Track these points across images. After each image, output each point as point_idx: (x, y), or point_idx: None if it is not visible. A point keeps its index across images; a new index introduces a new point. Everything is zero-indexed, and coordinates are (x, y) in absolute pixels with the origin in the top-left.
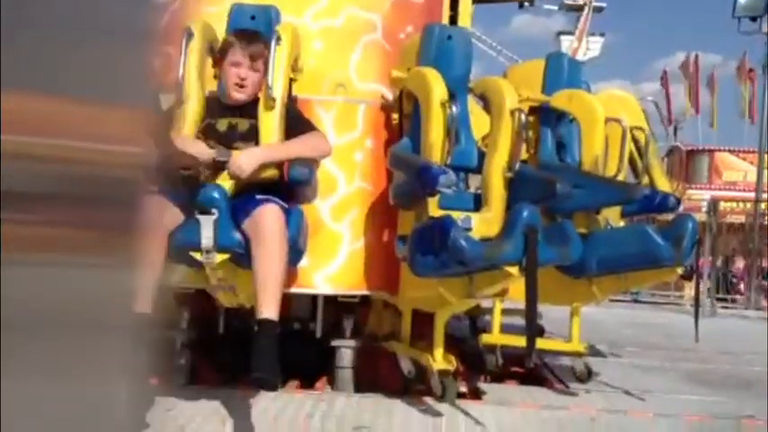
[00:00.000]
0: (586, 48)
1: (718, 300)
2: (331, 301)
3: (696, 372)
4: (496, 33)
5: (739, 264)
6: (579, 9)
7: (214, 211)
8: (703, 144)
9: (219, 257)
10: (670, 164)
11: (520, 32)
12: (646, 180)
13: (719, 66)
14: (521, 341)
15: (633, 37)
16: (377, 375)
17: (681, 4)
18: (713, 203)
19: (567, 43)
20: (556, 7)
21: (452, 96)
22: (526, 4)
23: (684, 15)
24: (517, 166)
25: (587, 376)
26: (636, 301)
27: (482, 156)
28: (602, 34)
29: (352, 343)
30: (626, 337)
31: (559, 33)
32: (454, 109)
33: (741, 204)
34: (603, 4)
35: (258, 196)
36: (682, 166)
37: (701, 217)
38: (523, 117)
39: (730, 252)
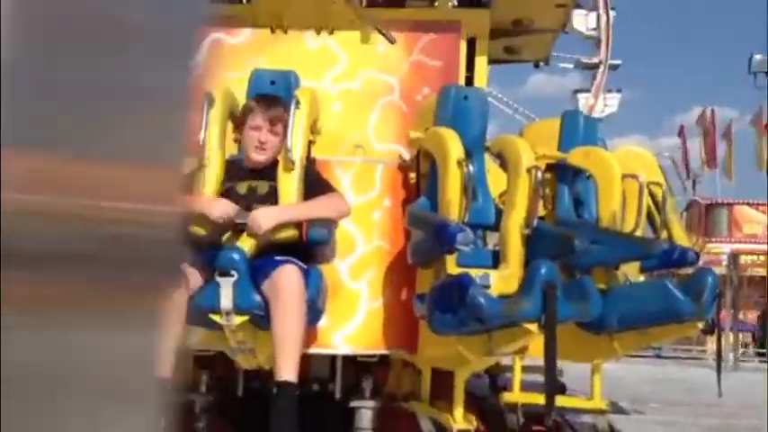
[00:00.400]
0: (604, 104)
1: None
2: (350, 361)
3: (719, 427)
4: (513, 92)
5: None
6: (595, 67)
7: (233, 273)
8: (722, 197)
9: (239, 320)
10: (689, 218)
11: (536, 91)
12: (664, 235)
13: (736, 120)
14: (541, 399)
15: (650, 93)
16: None
17: (696, 60)
18: (733, 257)
19: (583, 101)
20: (571, 65)
21: (469, 155)
22: (541, 63)
23: (700, 71)
24: (535, 222)
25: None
26: (658, 356)
27: (499, 213)
28: (618, 90)
29: (371, 403)
30: (648, 393)
31: (576, 91)
32: (471, 168)
33: (762, 257)
34: (619, 62)
35: (277, 257)
36: (701, 219)
37: (721, 270)
38: (540, 174)
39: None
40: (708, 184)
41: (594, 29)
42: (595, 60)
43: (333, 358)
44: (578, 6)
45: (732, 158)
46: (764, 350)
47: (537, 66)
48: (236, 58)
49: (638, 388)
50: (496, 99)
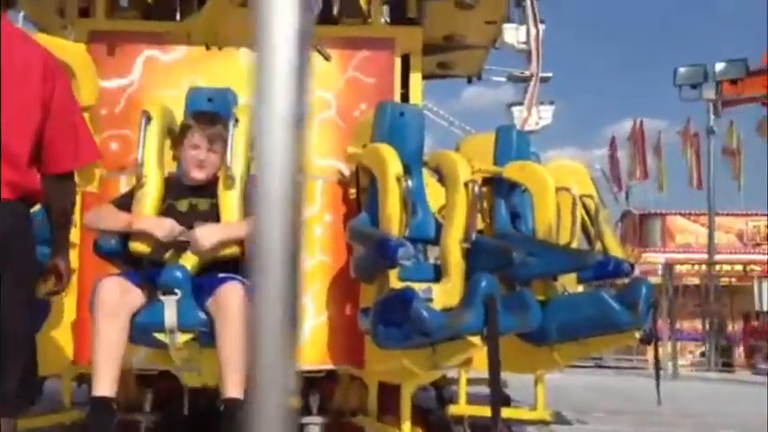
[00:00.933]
0: (538, 116)
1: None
2: (304, 379)
3: None
4: (448, 105)
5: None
6: (527, 80)
7: (177, 291)
8: (655, 208)
9: (183, 338)
10: (624, 228)
11: (470, 104)
12: (599, 246)
13: (665, 130)
14: (487, 411)
15: (581, 105)
16: None
17: (625, 73)
18: (668, 266)
19: (517, 113)
20: (504, 79)
21: (407, 170)
22: (474, 78)
23: (629, 83)
24: (473, 236)
25: None
26: (598, 366)
27: (439, 227)
28: (551, 102)
29: (319, 419)
30: (590, 402)
31: (510, 105)
32: (410, 183)
33: (696, 267)
34: (550, 74)
35: (220, 275)
36: (635, 230)
37: (657, 280)
38: (477, 188)
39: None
40: (639, 196)
41: (525, 42)
42: (527, 73)
43: None
44: (509, 21)
45: (663, 170)
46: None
47: (470, 81)
48: (171, 75)
49: (580, 397)
50: (432, 112)
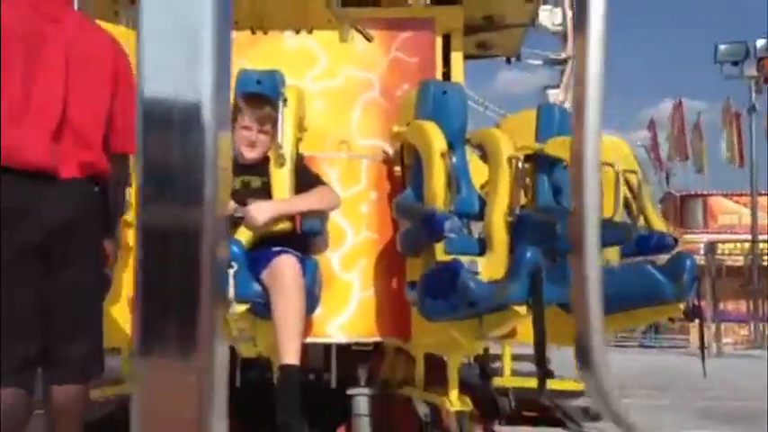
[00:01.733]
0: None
1: None
2: (344, 350)
3: (706, 408)
4: (483, 89)
5: None
6: (563, 63)
7: (233, 264)
8: (696, 189)
9: (240, 308)
10: (665, 210)
11: (506, 88)
12: (642, 221)
13: (705, 111)
14: (531, 383)
15: (619, 87)
16: (394, 422)
17: (665, 54)
18: (710, 246)
19: (553, 97)
20: (540, 62)
21: (451, 147)
22: (513, 59)
23: (669, 64)
24: (517, 210)
25: (599, 415)
26: (642, 345)
27: (483, 202)
28: None
29: (367, 391)
30: (634, 379)
31: (545, 87)
32: (454, 159)
33: (738, 246)
34: None
35: (274, 248)
36: (676, 211)
37: (699, 261)
38: (520, 164)
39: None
40: (681, 177)
41: (560, 24)
42: (563, 56)
43: (327, 348)
44: (544, 2)
45: (704, 151)
46: None
47: (509, 61)
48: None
49: (623, 375)
50: (468, 96)
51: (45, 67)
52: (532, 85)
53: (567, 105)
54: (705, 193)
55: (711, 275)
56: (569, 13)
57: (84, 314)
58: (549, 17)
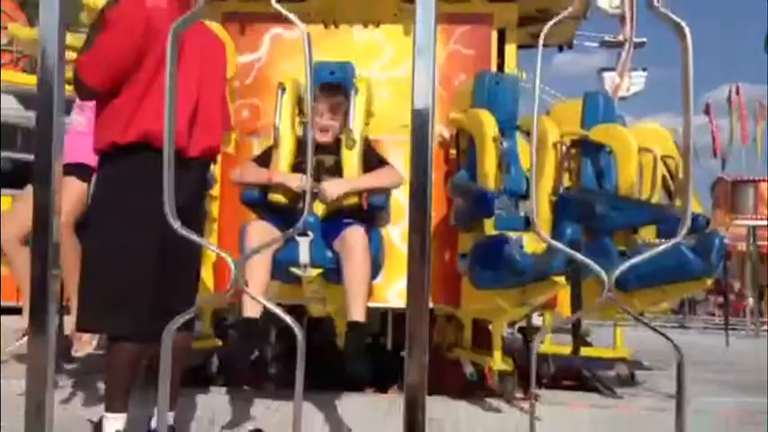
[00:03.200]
0: (630, 83)
1: None
2: (400, 315)
3: (734, 382)
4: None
5: None
6: (619, 45)
7: (309, 233)
8: (748, 174)
9: (314, 272)
10: (716, 195)
11: (562, 70)
12: (678, 203)
13: (764, 96)
14: (569, 350)
15: (677, 71)
16: (442, 381)
17: (724, 37)
18: (752, 231)
19: (609, 80)
20: (596, 44)
21: (503, 133)
22: (565, 47)
23: (728, 48)
24: (560, 191)
25: (631, 379)
26: (681, 326)
27: (529, 183)
28: (644, 69)
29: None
30: (670, 354)
31: (602, 70)
32: (505, 144)
33: None
34: (644, 39)
35: (344, 220)
36: (727, 197)
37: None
38: (564, 149)
39: None
40: (736, 162)
41: (618, 6)
42: (620, 38)
43: (384, 314)
44: None
45: (761, 136)
46: None
47: (561, 49)
48: (294, 50)
49: (659, 350)
50: (523, 80)
51: (184, 63)
52: (590, 66)
53: (624, 88)
54: (757, 178)
55: (752, 260)
56: None
57: (195, 273)
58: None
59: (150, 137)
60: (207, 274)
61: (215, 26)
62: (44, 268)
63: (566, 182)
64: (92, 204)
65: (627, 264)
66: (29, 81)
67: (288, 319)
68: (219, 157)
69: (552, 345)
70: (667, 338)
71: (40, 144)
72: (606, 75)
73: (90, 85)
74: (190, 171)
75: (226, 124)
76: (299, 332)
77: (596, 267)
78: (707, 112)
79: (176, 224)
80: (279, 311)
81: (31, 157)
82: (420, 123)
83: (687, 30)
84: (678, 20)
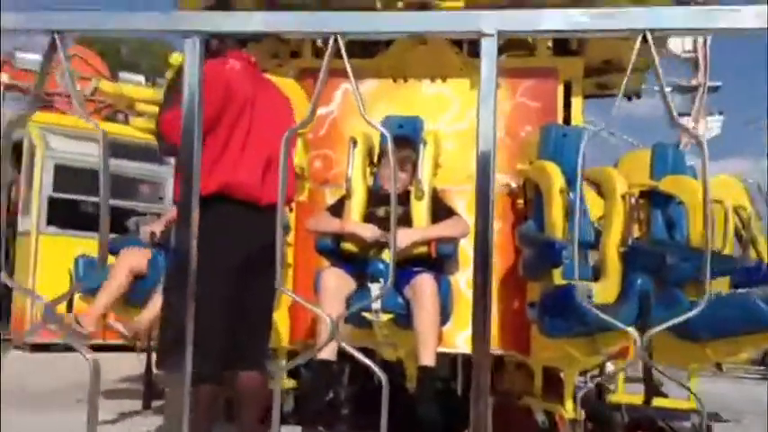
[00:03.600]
0: (706, 127)
1: None
2: (469, 361)
3: None
4: (609, 116)
5: None
6: (693, 90)
7: (381, 280)
8: None
9: (385, 317)
10: None
11: (634, 114)
12: (753, 254)
13: None
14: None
15: (753, 114)
16: (513, 428)
17: None
18: None
19: (683, 123)
20: (669, 89)
21: (569, 184)
22: (633, 97)
23: None
24: (630, 241)
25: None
26: (765, 377)
27: (598, 234)
28: (720, 113)
29: (490, 399)
30: (749, 405)
31: (679, 115)
32: (571, 195)
33: None
34: (719, 83)
35: (414, 268)
36: None
37: None
38: (633, 200)
39: None
40: None
41: (690, 51)
42: (693, 83)
43: (454, 359)
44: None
45: None
46: None
47: (629, 99)
48: (368, 104)
49: (738, 403)
50: (592, 125)
51: (257, 119)
52: (661, 111)
53: (700, 133)
54: None
55: None
56: (700, 40)
57: (269, 316)
58: (680, 43)
59: (228, 188)
60: (282, 318)
61: (290, 82)
62: (183, 316)
63: (635, 233)
64: (173, 252)
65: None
66: (111, 130)
67: (370, 364)
68: (294, 206)
69: (625, 395)
70: (689, 390)
71: (185, 195)
72: (681, 120)
73: (172, 142)
74: (265, 218)
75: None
76: (383, 377)
77: (622, 326)
78: None
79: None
80: (362, 357)
81: (115, 202)
82: (483, 165)
83: (705, 144)
84: (697, 134)
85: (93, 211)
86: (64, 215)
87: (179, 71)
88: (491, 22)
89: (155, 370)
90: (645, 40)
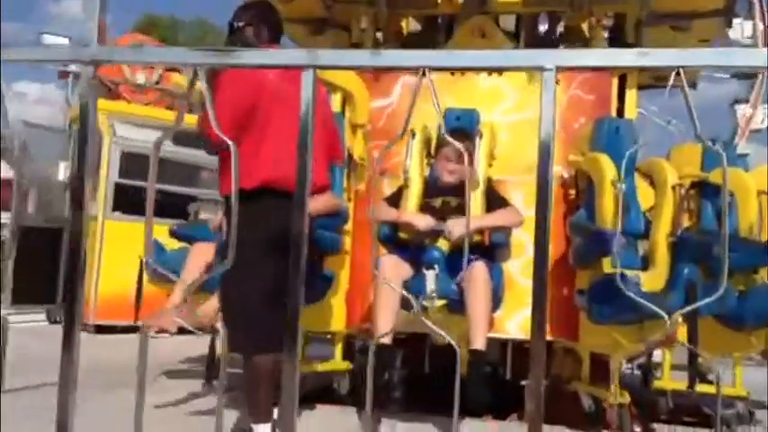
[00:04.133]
0: (764, 115)
1: None
2: (519, 346)
3: None
4: (666, 101)
5: None
6: (753, 76)
7: (436, 266)
8: None
9: (439, 303)
10: None
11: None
12: None
13: None
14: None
15: None
16: (560, 412)
17: None
18: None
19: (740, 112)
20: (728, 75)
21: (621, 175)
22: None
23: None
24: (679, 232)
25: (749, 419)
26: None
27: (648, 224)
28: None
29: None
30: None
31: (734, 102)
32: (623, 186)
33: None
34: None
35: (468, 256)
36: None
37: None
38: (684, 191)
39: None
40: None
41: (751, 36)
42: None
43: (504, 344)
44: (735, 15)
45: None
46: None
47: None
48: (423, 96)
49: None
50: (649, 111)
51: (290, 112)
52: (721, 97)
53: (758, 120)
54: None
55: None
56: (760, 26)
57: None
58: (740, 30)
59: (269, 183)
60: (339, 303)
61: (351, 75)
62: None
63: (685, 223)
64: (224, 243)
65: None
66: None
67: (446, 336)
68: (353, 195)
69: (671, 381)
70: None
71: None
72: (738, 107)
73: (213, 140)
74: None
75: (338, 159)
76: (457, 349)
77: (658, 310)
78: None
79: None
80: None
81: (176, 188)
82: (543, 154)
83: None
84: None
85: (158, 198)
86: (129, 201)
87: (215, 73)
88: (551, 59)
89: (218, 351)
90: (678, 73)
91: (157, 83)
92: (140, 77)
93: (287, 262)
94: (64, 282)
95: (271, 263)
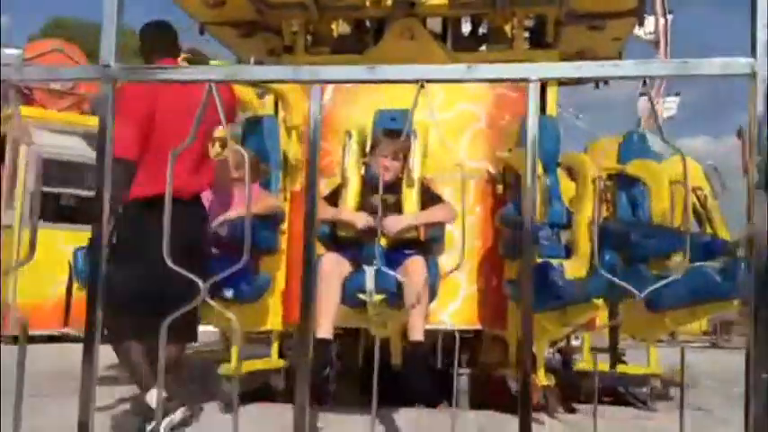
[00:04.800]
0: (662, 107)
1: None
2: (449, 336)
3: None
4: (576, 97)
5: None
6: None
7: (375, 262)
8: None
9: (378, 297)
10: None
11: (599, 97)
12: (709, 230)
13: None
14: (607, 366)
15: (712, 93)
16: (489, 397)
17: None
18: None
19: (641, 104)
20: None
21: (545, 170)
22: (601, 84)
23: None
24: (599, 222)
25: (665, 395)
26: (713, 344)
27: (570, 215)
28: (677, 94)
29: (468, 371)
30: (703, 371)
31: (641, 94)
32: (547, 180)
33: None
34: None
35: (405, 251)
36: None
37: None
38: (602, 183)
39: None
40: None
41: (652, 32)
42: None
43: (434, 334)
44: (646, 14)
45: None
46: None
47: (597, 86)
48: (355, 97)
49: (693, 368)
50: (561, 106)
51: (172, 122)
52: (625, 91)
53: (661, 111)
54: None
55: None
56: (662, 21)
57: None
58: (643, 25)
59: (155, 194)
60: (275, 302)
61: None
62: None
63: (603, 213)
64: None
65: (657, 285)
66: (93, 123)
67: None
68: (289, 195)
69: (591, 363)
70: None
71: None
72: (640, 99)
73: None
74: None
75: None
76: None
77: (632, 289)
78: (739, 135)
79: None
80: None
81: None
82: (531, 155)
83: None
84: (678, 148)
85: (75, 204)
86: (47, 208)
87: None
88: (535, 72)
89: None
90: (644, 83)
91: (72, 88)
92: (55, 83)
93: (164, 265)
94: None
95: (149, 265)
